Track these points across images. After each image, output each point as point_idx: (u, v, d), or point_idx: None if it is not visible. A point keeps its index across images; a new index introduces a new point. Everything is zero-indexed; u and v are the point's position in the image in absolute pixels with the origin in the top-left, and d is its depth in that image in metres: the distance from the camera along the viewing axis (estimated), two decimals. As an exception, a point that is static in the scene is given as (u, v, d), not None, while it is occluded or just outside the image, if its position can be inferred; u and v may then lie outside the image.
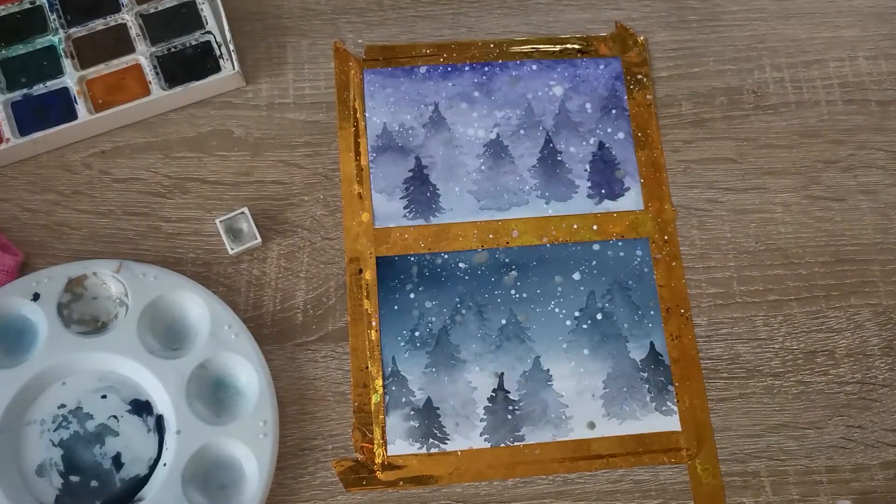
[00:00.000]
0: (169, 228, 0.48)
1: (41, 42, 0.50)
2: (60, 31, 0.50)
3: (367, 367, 0.46)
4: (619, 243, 0.50)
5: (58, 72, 0.49)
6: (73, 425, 0.44)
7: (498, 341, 0.47)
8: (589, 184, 0.51)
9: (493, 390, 0.47)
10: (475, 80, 0.52)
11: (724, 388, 0.47)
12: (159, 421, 0.44)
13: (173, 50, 0.50)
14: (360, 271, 0.48)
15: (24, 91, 0.49)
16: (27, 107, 0.49)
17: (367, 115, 0.51)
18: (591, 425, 0.46)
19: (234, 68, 0.50)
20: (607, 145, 0.51)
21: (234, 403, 0.45)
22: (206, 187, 0.49)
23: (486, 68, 0.53)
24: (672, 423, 0.47)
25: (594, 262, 0.49)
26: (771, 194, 0.51)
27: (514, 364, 0.47)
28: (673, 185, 0.51)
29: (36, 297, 0.45)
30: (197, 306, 0.46)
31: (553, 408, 0.47)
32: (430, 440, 0.46)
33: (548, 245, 0.49)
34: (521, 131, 0.51)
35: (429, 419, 0.46)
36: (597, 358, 0.47)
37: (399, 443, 0.45)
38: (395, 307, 0.48)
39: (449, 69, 0.52)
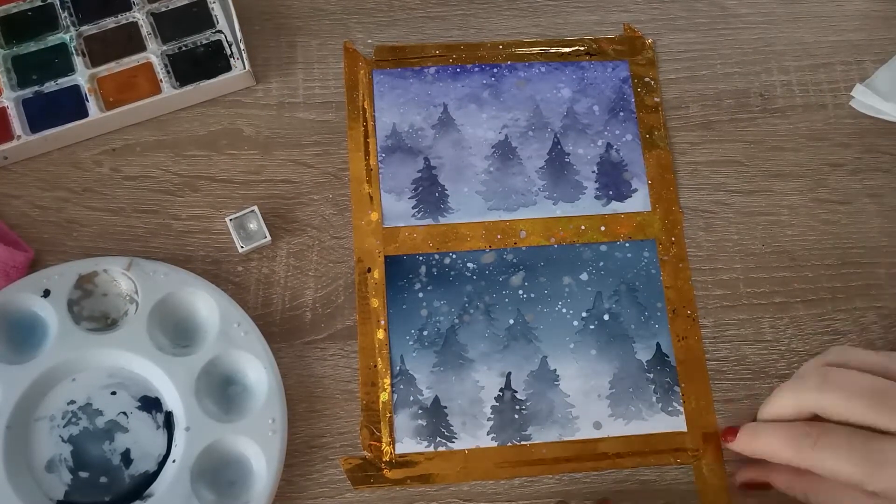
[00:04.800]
0: (179, 226, 0.48)
1: (52, 40, 0.50)
2: (72, 28, 0.50)
3: (376, 366, 0.47)
4: (627, 244, 0.50)
5: (69, 69, 0.50)
6: (82, 421, 0.44)
7: (505, 341, 0.48)
8: (597, 185, 0.51)
9: (501, 390, 0.47)
10: (484, 82, 0.53)
11: (731, 389, 0.48)
12: (168, 418, 0.44)
13: (184, 49, 0.50)
14: (369, 270, 0.48)
15: (36, 88, 0.49)
16: (38, 104, 0.49)
17: (376, 115, 0.51)
18: (598, 425, 0.47)
19: (244, 67, 0.50)
20: (615, 147, 0.52)
21: (242, 401, 0.45)
22: (215, 185, 0.49)
23: (495, 70, 0.53)
24: (678, 424, 0.47)
25: (601, 263, 0.49)
26: (777, 197, 0.52)
27: (522, 364, 0.47)
28: (680, 187, 0.51)
29: (46, 293, 0.45)
30: (206, 304, 0.46)
31: (559, 408, 0.47)
32: (438, 439, 0.46)
33: (555, 246, 0.50)
34: (530, 133, 0.52)
35: (436, 418, 0.46)
36: (603, 358, 0.48)
37: (407, 441, 0.46)
38: (404, 306, 0.48)
39: (458, 70, 0.53)
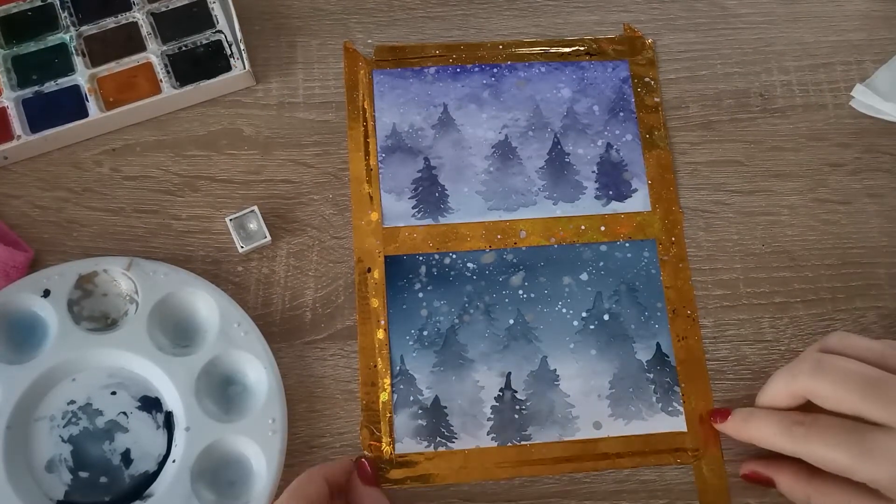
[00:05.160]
0: (179, 226, 0.48)
1: (52, 40, 0.50)
2: (72, 28, 0.50)
3: (376, 366, 0.47)
4: (627, 244, 0.50)
5: (69, 69, 0.50)
6: (82, 421, 0.44)
7: (505, 341, 0.48)
8: (597, 185, 0.51)
9: (501, 390, 0.47)
10: (484, 82, 0.53)
11: (731, 389, 0.48)
12: (168, 418, 0.44)
13: (184, 49, 0.50)
14: (369, 270, 0.48)
15: (36, 88, 0.49)
16: (38, 104, 0.49)
17: (376, 115, 0.51)
18: (598, 425, 0.47)
19: (244, 67, 0.50)
20: (615, 147, 0.52)
21: (243, 401, 0.45)
22: (215, 185, 0.49)
23: (495, 70, 0.53)
24: (678, 424, 0.47)
25: (601, 263, 0.49)
26: (777, 197, 0.51)
27: (522, 364, 0.47)
28: (680, 187, 0.51)
29: (46, 293, 0.45)
30: (206, 304, 0.46)
31: (560, 408, 0.47)
32: (438, 439, 0.46)
33: (555, 246, 0.50)
34: (530, 133, 0.52)
35: (436, 418, 0.46)
36: (603, 358, 0.48)
37: (407, 441, 0.46)
38: (404, 306, 0.48)
39: (458, 70, 0.53)
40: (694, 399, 0.47)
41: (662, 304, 0.49)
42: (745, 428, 0.43)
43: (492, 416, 0.46)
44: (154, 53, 0.50)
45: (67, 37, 0.50)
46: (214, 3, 0.51)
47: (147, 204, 0.49)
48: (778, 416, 0.40)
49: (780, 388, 0.41)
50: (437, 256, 0.49)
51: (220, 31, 0.51)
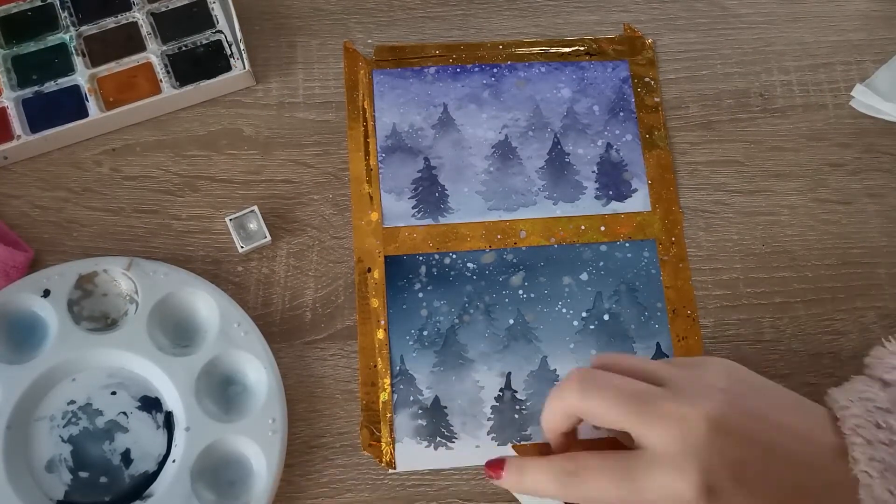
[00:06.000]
0: (179, 226, 0.48)
1: (52, 40, 0.50)
2: (72, 28, 0.50)
3: (376, 366, 0.47)
4: (627, 244, 0.50)
5: (69, 69, 0.50)
6: (82, 421, 0.44)
7: (505, 341, 0.48)
8: (597, 185, 0.51)
9: (501, 390, 0.47)
10: (484, 82, 0.53)
11: (731, 389, 0.48)
12: (168, 418, 0.44)
13: (184, 49, 0.50)
14: (369, 270, 0.48)
15: (36, 88, 0.49)
16: (38, 104, 0.49)
17: (376, 115, 0.51)
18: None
19: (244, 67, 0.50)
20: (615, 147, 0.52)
21: (242, 401, 0.45)
22: (215, 185, 0.49)
23: (495, 70, 0.53)
24: (678, 424, 0.47)
25: (601, 263, 0.49)
26: (778, 197, 0.51)
27: (522, 364, 0.47)
28: (680, 187, 0.51)
29: (46, 293, 0.45)
30: (206, 304, 0.46)
31: (560, 408, 0.47)
32: (438, 438, 0.46)
33: (555, 246, 0.50)
34: (530, 133, 0.52)
35: (436, 418, 0.46)
36: (603, 358, 0.48)
37: (407, 441, 0.46)
38: (404, 306, 0.48)
39: (458, 70, 0.53)
40: (694, 399, 0.47)
41: (662, 304, 0.49)
42: (522, 482, 0.39)
43: (492, 416, 0.46)
44: (154, 53, 0.50)
45: (67, 37, 0.50)
46: (214, 3, 0.51)
47: (147, 204, 0.49)
48: (548, 466, 0.38)
49: (555, 411, 0.38)
50: (437, 256, 0.49)
51: (220, 31, 0.51)
